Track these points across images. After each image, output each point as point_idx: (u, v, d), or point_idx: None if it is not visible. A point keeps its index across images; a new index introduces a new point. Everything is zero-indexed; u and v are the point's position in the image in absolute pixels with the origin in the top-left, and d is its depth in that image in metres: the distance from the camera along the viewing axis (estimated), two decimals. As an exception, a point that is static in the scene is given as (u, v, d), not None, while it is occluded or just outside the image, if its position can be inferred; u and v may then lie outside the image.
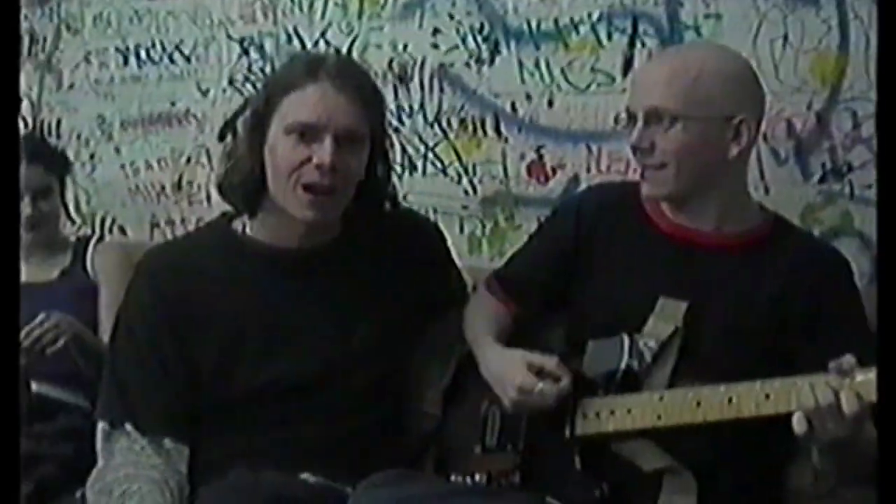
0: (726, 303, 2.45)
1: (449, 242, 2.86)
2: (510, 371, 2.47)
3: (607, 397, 2.42)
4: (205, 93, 3.63)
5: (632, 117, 2.46)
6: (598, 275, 2.60)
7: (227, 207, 2.66)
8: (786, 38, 2.96)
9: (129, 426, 2.54)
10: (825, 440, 2.12)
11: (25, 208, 3.30)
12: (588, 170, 3.17)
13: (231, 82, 3.59)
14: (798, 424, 2.10)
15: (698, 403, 2.27)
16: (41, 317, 3.02)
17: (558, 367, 2.43)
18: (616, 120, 2.56)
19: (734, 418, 2.22)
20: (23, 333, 2.97)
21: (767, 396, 2.18)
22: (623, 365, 2.41)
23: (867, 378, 2.07)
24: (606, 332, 2.46)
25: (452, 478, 2.55)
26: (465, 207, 3.32)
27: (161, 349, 2.57)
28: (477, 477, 2.52)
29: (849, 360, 2.09)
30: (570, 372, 2.43)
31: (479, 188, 3.31)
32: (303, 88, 2.48)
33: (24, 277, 3.11)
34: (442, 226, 3.05)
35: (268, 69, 3.52)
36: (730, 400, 2.23)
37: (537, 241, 2.78)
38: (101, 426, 2.58)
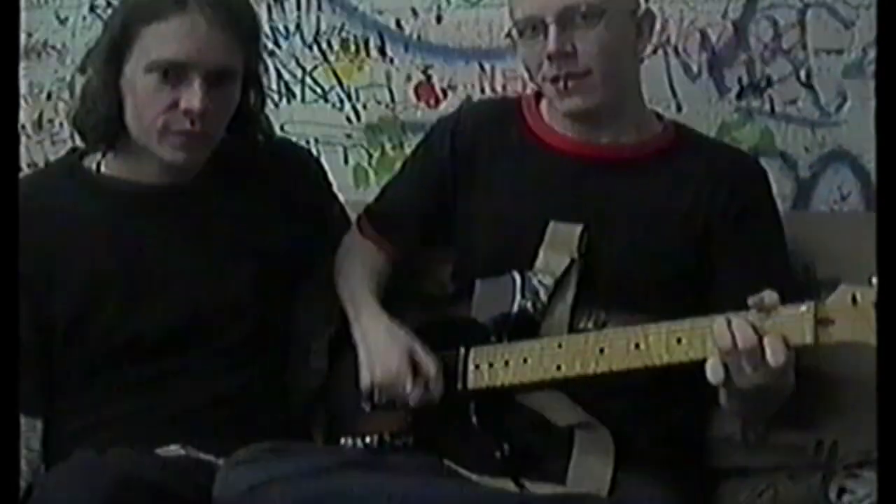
0: (631, 222, 2.28)
1: (330, 175, 2.71)
2: (389, 355, 2.30)
3: (501, 345, 2.23)
4: (63, 21, 3.39)
5: (532, 25, 2.24)
6: (481, 203, 2.41)
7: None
8: (697, -61, 2.82)
9: None
10: (742, 388, 1.93)
11: None
12: (482, 90, 3.00)
13: (92, 9, 3.35)
14: (713, 373, 1.92)
15: (601, 350, 2.08)
16: None
17: (435, 379, 2.25)
18: (509, 34, 2.35)
19: (642, 367, 2.03)
20: None
21: (679, 341, 2.00)
22: (516, 307, 2.24)
23: (793, 316, 1.88)
24: (495, 269, 2.30)
25: (342, 440, 2.36)
26: (348, 136, 3.14)
27: None
28: (368, 439, 2.32)
29: (771, 295, 1.90)
30: (440, 382, 2.26)
31: (363, 114, 3.13)
32: (167, 20, 2.28)
33: None
34: (324, 157, 2.98)
35: (130, -8, 3.28)
36: (637, 346, 2.04)
37: (410, 170, 2.57)
38: None
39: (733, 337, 1.88)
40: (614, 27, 2.23)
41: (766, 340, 1.87)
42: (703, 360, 1.93)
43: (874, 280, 1.78)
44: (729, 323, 1.90)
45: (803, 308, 1.87)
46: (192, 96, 2.27)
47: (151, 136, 2.32)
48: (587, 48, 2.22)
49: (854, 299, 1.82)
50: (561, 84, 2.25)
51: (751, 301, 1.90)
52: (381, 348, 2.31)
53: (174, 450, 2.29)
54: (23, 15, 3.34)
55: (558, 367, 2.12)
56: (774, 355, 1.86)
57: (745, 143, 2.78)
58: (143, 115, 2.31)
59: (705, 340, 1.94)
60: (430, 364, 2.25)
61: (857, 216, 2.70)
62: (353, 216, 2.65)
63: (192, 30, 2.27)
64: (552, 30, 2.21)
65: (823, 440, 2.27)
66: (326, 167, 2.74)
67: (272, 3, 3.13)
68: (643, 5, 2.33)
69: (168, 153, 2.33)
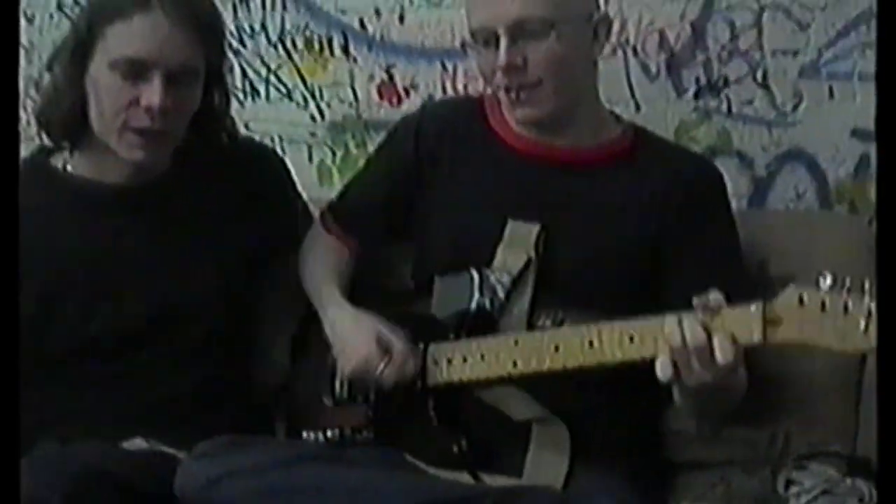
0: (585, 224, 2.30)
1: (295, 173, 2.72)
2: (357, 340, 2.30)
3: (460, 341, 2.25)
4: (31, 20, 3.37)
5: (485, 36, 2.25)
6: (442, 200, 2.42)
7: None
8: (655, -58, 2.84)
9: None
10: (691, 384, 1.95)
11: None
12: (443, 90, 3.01)
13: (59, 7, 3.34)
14: (662, 370, 1.94)
15: (556, 348, 2.10)
16: None
17: (404, 352, 2.25)
18: (463, 44, 2.37)
19: (596, 364, 2.05)
20: None
21: (631, 339, 2.01)
22: (474, 304, 2.26)
23: (741, 316, 1.90)
24: (455, 266, 2.31)
25: (304, 434, 2.37)
26: (312, 134, 3.14)
27: None
28: (329, 433, 2.34)
29: (716, 296, 1.92)
30: (416, 356, 2.26)
31: (326, 113, 3.13)
32: (130, 18, 2.29)
33: None
34: (288, 155, 2.99)
35: (96, -10, 3.28)
36: (591, 343, 2.06)
37: (374, 167, 2.58)
38: None
39: (683, 335, 1.91)
40: (566, 37, 2.23)
41: (714, 339, 1.89)
42: (654, 359, 1.95)
43: (822, 281, 1.80)
44: (679, 321, 1.92)
45: (752, 308, 1.88)
46: (153, 93, 2.27)
47: (112, 132, 2.33)
48: (537, 60, 2.22)
49: (801, 300, 1.83)
50: (513, 94, 2.26)
51: (695, 301, 1.92)
52: (349, 336, 2.31)
53: (138, 443, 2.31)
54: (-11, 13, 3.37)
55: (514, 364, 2.13)
56: (723, 353, 1.88)
57: (703, 142, 2.80)
58: (105, 112, 2.32)
59: (657, 339, 1.96)
60: (397, 341, 2.26)
61: (811, 214, 2.73)
62: (316, 213, 2.65)
63: (153, 28, 2.28)
64: (503, 42, 2.21)
65: (777, 434, 2.30)
66: (290, 165, 2.74)
67: (237, 2, 3.13)
68: (599, 11, 2.35)
69: (127, 150, 2.33)
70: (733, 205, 2.53)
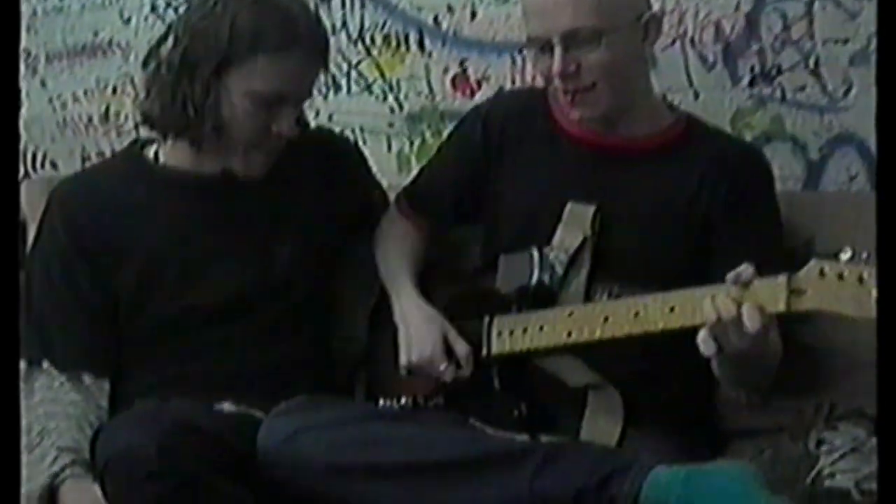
0: (641, 206, 2.41)
1: (375, 161, 2.85)
2: (423, 338, 2.45)
3: (521, 314, 2.38)
4: (127, 21, 3.52)
5: (541, 44, 2.37)
6: (507, 185, 2.54)
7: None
8: (711, -62, 2.89)
9: (45, 363, 2.51)
10: (728, 354, 2.07)
11: None
12: (513, 81, 3.10)
13: (153, 9, 3.48)
14: (705, 346, 2.06)
15: (606, 319, 2.23)
16: None
17: (466, 360, 2.41)
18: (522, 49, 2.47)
19: (642, 332, 2.17)
20: None
21: (672, 309, 2.14)
22: (534, 280, 2.38)
23: (768, 287, 2.02)
24: (518, 245, 2.43)
25: (381, 402, 2.51)
26: (391, 125, 3.24)
27: (76, 282, 2.54)
28: (403, 400, 2.48)
29: (747, 269, 2.03)
30: (470, 362, 2.42)
31: (404, 105, 3.23)
32: (276, 54, 2.41)
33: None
34: (369, 145, 3.15)
35: (188, -6, 3.42)
36: (636, 314, 2.18)
37: (445, 154, 2.71)
38: (21, 365, 2.51)
39: (717, 310, 2.02)
40: (616, 43, 2.32)
41: (743, 309, 2.00)
42: (693, 326, 2.07)
43: (842, 255, 1.92)
44: (713, 297, 2.04)
45: (778, 279, 2.00)
46: (284, 121, 2.44)
47: (237, 149, 2.48)
48: (590, 66, 2.32)
49: (822, 272, 1.95)
50: (569, 97, 2.38)
51: (728, 276, 2.04)
52: (417, 332, 2.46)
53: (227, 406, 2.45)
54: (88, 15, 3.54)
55: (569, 334, 2.27)
56: (751, 322, 1.99)
57: (758, 128, 2.87)
58: (237, 132, 2.46)
59: (695, 309, 2.07)
60: (462, 348, 2.41)
61: (862, 196, 2.77)
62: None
63: (295, 65, 2.42)
64: (557, 51, 2.32)
65: (822, 403, 2.34)
66: (371, 154, 2.87)
67: (319, 1, 3.20)
68: (649, 10, 2.43)
69: (247, 167, 2.50)
70: (788, 187, 2.63)
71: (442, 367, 2.41)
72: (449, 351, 2.42)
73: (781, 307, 2.00)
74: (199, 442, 2.18)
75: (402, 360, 2.46)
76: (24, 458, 2.31)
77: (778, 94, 2.88)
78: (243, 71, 2.41)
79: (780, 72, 2.87)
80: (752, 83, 2.89)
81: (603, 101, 2.37)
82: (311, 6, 3.00)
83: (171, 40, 2.47)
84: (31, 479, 2.35)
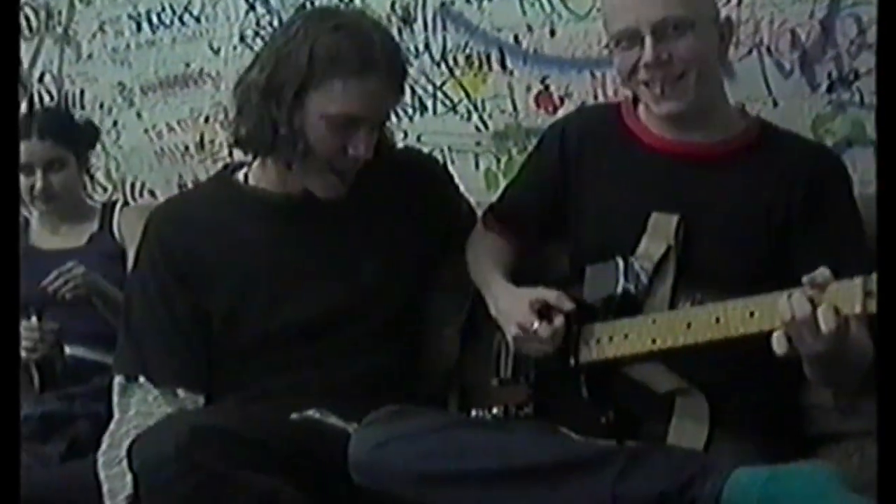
0: (721, 213, 2.44)
1: (464, 179, 2.90)
2: (512, 309, 2.47)
3: (607, 323, 2.40)
4: (216, 52, 3.65)
5: (629, 37, 2.41)
6: (589, 198, 2.58)
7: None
8: (783, -52, 2.89)
9: (142, 378, 2.60)
10: (807, 355, 2.09)
11: (37, 182, 3.37)
12: (595, 96, 3.14)
13: (241, 39, 3.60)
14: (778, 345, 2.07)
15: (689, 325, 2.24)
16: (69, 264, 3.17)
17: (558, 300, 2.42)
18: (608, 48, 2.51)
19: (723, 338, 2.19)
20: (49, 277, 3.13)
21: (752, 314, 2.15)
22: (619, 289, 2.41)
23: (844, 289, 2.03)
24: (603, 256, 2.46)
25: (473, 412, 2.56)
26: (478, 144, 3.30)
27: (171, 301, 2.63)
28: (494, 410, 2.53)
29: (822, 272, 2.05)
30: (571, 304, 2.42)
31: (489, 123, 3.29)
32: (353, 79, 2.47)
33: (51, 245, 3.41)
34: (457, 164, 3.24)
35: (275, 22, 3.52)
36: (717, 320, 2.20)
37: (527, 171, 2.77)
38: (116, 380, 2.64)
39: (792, 310, 2.04)
40: (703, 35, 2.39)
41: (819, 311, 2.02)
42: (773, 330, 2.08)
43: None
44: (789, 297, 2.06)
45: (855, 281, 2.01)
46: (360, 143, 2.49)
47: (315, 169, 2.54)
48: (681, 55, 2.38)
49: None
50: (658, 89, 2.42)
51: (804, 279, 2.05)
52: (507, 307, 2.50)
53: (310, 414, 2.52)
54: (179, 47, 3.66)
55: (653, 341, 2.29)
56: (826, 323, 2.01)
57: (839, 133, 2.87)
58: (313, 151, 2.51)
59: (774, 313, 2.09)
60: (549, 293, 2.43)
61: None
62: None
63: (372, 90, 2.48)
64: (648, 41, 2.37)
65: None
66: (459, 173, 2.94)
67: (402, 25, 3.32)
68: (722, 13, 2.49)
69: (323, 188, 2.56)
70: (871, 191, 2.62)
71: (535, 325, 2.41)
72: (543, 315, 2.43)
73: (857, 309, 1.99)
74: (221, 442, 2.25)
75: (509, 339, 2.49)
76: (110, 470, 2.48)
77: (857, 98, 2.87)
78: (321, 94, 2.47)
79: (857, 76, 2.86)
80: (830, 89, 2.89)
81: (691, 92, 2.40)
82: (395, 30, 3.16)
83: (257, 67, 2.55)
84: (113, 494, 2.46)
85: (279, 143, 2.52)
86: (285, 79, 2.48)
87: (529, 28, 3.21)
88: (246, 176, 2.70)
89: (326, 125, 2.48)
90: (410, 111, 3.28)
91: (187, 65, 3.70)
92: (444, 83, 3.33)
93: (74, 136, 3.47)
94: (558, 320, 2.40)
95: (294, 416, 2.50)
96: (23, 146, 3.26)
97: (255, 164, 2.67)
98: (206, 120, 3.69)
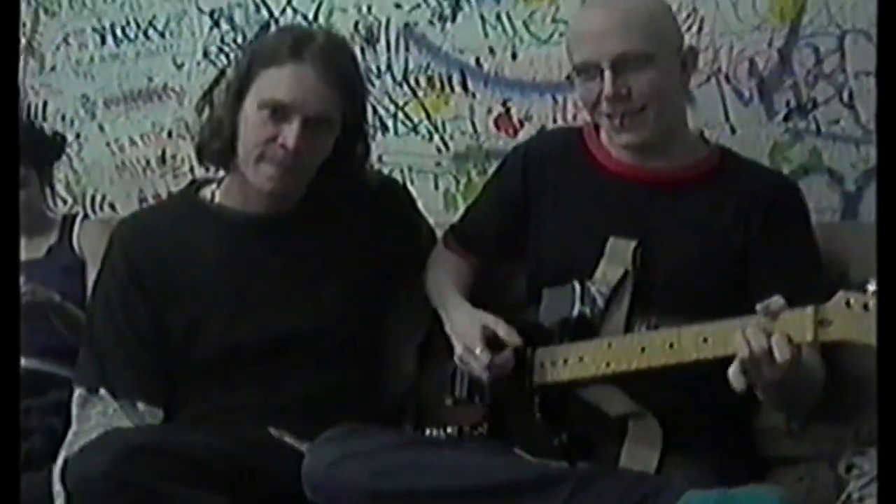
0: (679, 238, 2.45)
1: (423, 200, 2.91)
2: (464, 328, 2.50)
3: (562, 345, 2.41)
4: (180, 67, 3.65)
5: (590, 69, 2.43)
6: (549, 221, 2.60)
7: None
8: (743, -24, 2.93)
9: (103, 391, 2.60)
10: (763, 384, 2.11)
11: None
12: (555, 120, 3.16)
13: (205, 55, 3.60)
14: (736, 381, 2.08)
15: (643, 349, 2.27)
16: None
17: (508, 335, 2.44)
18: (569, 76, 2.53)
19: (677, 363, 2.21)
20: None
21: (705, 340, 2.17)
22: (576, 312, 2.42)
23: (797, 318, 2.05)
24: (561, 279, 2.47)
25: (428, 431, 2.58)
26: (438, 165, 3.32)
27: (134, 315, 2.63)
28: (449, 429, 2.55)
29: (777, 300, 2.07)
30: (518, 340, 2.43)
31: (450, 144, 3.31)
32: (283, 66, 2.50)
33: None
34: (416, 184, 3.25)
35: (239, 39, 3.54)
36: (671, 345, 2.22)
37: (488, 193, 2.78)
38: (77, 392, 2.64)
39: (749, 345, 2.05)
40: (663, 68, 2.40)
41: (772, 340, 2.04)
42: (726, 357, 2.09)
43: (868, 286, 1.94)
44: (743, 331, 2.07)
45: (807, 311, 2.03)
46: (289, 133, 2.48)
47: (249, 162, 2.54)
48: (641, 90, 2.39)
49: (848, 303, 1.98)
50: (617, 121, 2.44)
51: (758, 307, 2.07)
52: (461, 325, 2.51)
53: (267, 431, 2.53)
54: (143, 62, 3.65)
55: (608, 364, 2.31)
56: (780, 352, 2.03)
57: (795, 161, 2.91)
58: (247, 143, 2.53)
59: (727, 340, 2.10)
60: (500, 326, 2.44)
61: None
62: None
63: (301, 78, 2.49)
64: (607, 75, 2.38)
65: (860, 430, 2.37)
66: (419, 193, 2.94)
67: (364, 45, 3.33)
68: (686, 43, 2.50)
69: (258, 179, 2.54)
70: (826, 219, 2.66)
71: (478, 350, 2.41)
72: (492, 343, 2.44)
73: (809, 337, 2.03)
74: (155, 460, 2.27)
75: (455, 360, 2.50)
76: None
77: (813, 127, 2.92)
78: (256, 85, 2.52)
79: (815, 105, 2.91)
80: (787, 117, 2.94)
81: (650, 125, 2.42)
82: (358, 50, 3.17)
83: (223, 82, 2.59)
84: None
85: (225, 145, 2.57)
86: (230, 82, 2.57)
87: (491, 51, 3.23)
88: (213, 193, 2.71)
89: (258, 113, 2.50)
90: (372, 131, 3.18)
91: (150, 79, 3.69)
92: (405, 104, 3.35)
93: (38, 153, 3.43)
94: (500, 357, 2.42)
95: (249, 433, 2.51)
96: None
97: (225, 181, 2.68)
98: (169, 134, 3.68)
